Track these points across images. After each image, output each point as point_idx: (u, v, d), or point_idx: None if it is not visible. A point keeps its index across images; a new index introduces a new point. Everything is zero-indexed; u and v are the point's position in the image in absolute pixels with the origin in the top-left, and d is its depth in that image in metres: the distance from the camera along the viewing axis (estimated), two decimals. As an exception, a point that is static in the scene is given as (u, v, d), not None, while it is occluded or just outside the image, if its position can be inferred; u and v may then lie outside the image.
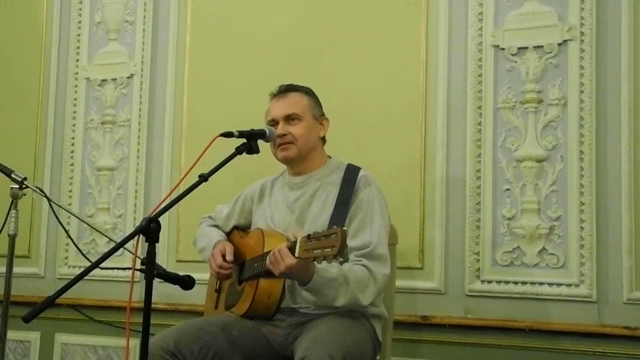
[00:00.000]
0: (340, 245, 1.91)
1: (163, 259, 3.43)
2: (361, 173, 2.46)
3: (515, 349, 2.87)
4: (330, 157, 2.57)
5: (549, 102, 2.91)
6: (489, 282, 2.93)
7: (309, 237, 2.03)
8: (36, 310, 1.90)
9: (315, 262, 2.10)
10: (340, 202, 2.38)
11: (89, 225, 3.42)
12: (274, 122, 2.50)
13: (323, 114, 2.56)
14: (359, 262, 2.28)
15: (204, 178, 2.19)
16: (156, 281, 2.09)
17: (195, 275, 2.48)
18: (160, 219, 2.01)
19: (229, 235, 2.68)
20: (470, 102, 3.02)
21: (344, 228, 1.94)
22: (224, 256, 2.50)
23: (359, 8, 3.27)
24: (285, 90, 2.54)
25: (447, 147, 3.05)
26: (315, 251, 1.98)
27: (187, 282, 2.43)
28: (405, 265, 2.99)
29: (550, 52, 2.92)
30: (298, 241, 2.06)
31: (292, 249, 2.09)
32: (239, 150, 2.33)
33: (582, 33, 2.88)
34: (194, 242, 2.76)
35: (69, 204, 3.70)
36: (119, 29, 3.73)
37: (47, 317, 3.23)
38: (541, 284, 2.86)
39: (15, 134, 3.88)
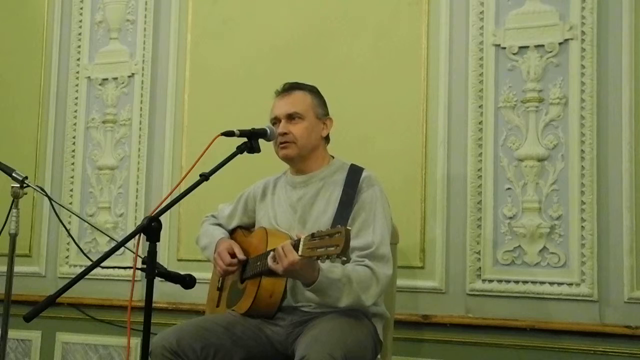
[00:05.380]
0: (344, 244, 1.90)
1: (164, 258, 3.43)
2: (364, 174, 2.45)
3: (516, 348, 2.87)
4: (333, 157, 2.56)
5: (550, 101, 2.91)
6: (490, 281, 2.93)
7: (312, 235, 2.02)
8: (37, 309, 1.90)
9: (320, 263, 2.10)
10: (343, 202, 2.37)
11: (90, 225, 3.42)
12: (276, 120, 2.50)
13: (327, 114, 2.55)
14: (362, 263, 2.27)
15: (205, 177, 2.19)
16: (157, 280, 2.10)
17: (196, 274, 2.49)
18: (161, 218, 2.02)
19: (232, 234, 2.68)
20: (471, 101, 3.02)
21: (348, 228, 1.94)
22: (231, 255, 2.50)
23: (360, 7, 3.27)
24: (290, 88, 2.53)
25: (448, 146, 3.05)
26: (318, 250, 1.97)
27: (188, 281, 2.43)
28: (406, 265, 2.99)
29: (551, 52, 2.92)
30: (302, 239, 2.05)
31: (295, 247, 2.07)
32: (240, 150, 2.33)
33: (583, 32, 2.88)
34: (196, 240, 2.76)
35: (70, 203, 3.70)
36: (120, 28, 3.72)
37: (48, 316, 3.25)
38: (542, 283, 2.86)
39: (16, 133, 3.88)
